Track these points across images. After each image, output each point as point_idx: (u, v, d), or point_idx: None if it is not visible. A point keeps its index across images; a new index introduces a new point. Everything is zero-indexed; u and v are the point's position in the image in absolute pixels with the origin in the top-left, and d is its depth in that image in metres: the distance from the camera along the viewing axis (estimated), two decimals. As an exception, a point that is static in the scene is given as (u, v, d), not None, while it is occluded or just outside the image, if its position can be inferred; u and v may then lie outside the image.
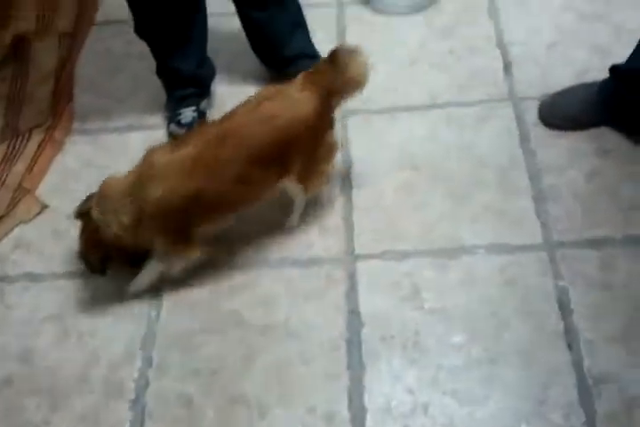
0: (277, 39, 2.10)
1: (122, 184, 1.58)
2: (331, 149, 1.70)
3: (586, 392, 1.51)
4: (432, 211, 1.87)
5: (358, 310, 1.71)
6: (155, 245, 1.64)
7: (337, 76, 1.59)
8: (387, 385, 1.57)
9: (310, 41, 2.16)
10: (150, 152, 1.58)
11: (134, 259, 1.71)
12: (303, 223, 1.87)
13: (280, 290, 1.76)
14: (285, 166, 1.63)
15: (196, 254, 1.68)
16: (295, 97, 1.57)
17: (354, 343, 1.65)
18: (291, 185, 1.71)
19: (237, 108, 1.60)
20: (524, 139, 1.98)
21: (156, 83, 2.19)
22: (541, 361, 1.57)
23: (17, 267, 1.90)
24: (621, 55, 1.86)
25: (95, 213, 1.58)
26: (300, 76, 1.61)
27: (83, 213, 1.65)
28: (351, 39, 2.31)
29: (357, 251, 1.82)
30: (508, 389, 1.54)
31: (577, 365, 1.55)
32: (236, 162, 1.54)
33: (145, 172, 1.55)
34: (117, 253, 1.67)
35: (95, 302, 1.80)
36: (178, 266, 1.72)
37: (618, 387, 1.51)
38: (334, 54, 1.60)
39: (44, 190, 2.10)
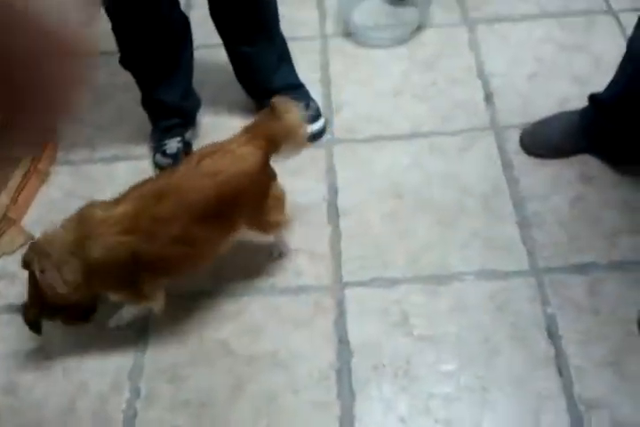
0: (263, 72, 2.12)
1: (62, 240, 1.46)
2: (279, 201, 1.66)
3: (577, 418, 1.52)
4: (419, 238, 1.88)
5: (347, 338, 1.70)
6: (111, 298, 1.59)
7: (275, 128, 1.56)
8: (378, 414, 1.56)
9: (294, 72, 2.19)
10: (88, 207, 1.50)
11: (84, 313, 1.63)
12: (291, 251, 1.87)
13: (268, 319, 1.75)
14: (232, 223, 1.56)
15: (159, 304, 1.61)
16: (237, 152, 1.51)
17: (344, 372, 1.63)
18: (249, 232, 1.67)
19: (179, 165, 1.53)
20: (507, 166, 2.01)
21: (141, 113, 2.20)
22: (532, 387, 1.57)
23: (0, 298, 1.87)
24: (600, 84, 1.91)
25: (37, 273, 1.48)
26: (239, 131, 1.58)
27: (27, 264, 1.53)
28: (335, 70, 2.35)
29: (346, 278, 1.82)
30: (499, 416, 1.54)
31: (567, 390, 1.56)
32: (177, 221, 1.46)
33: (83, 228, 1.46)
34: (63, 310, 1.57)
35: (81, 333, 1.77)
36: (152, 308, 1.66)
37: (608, 412, 1.52)
38: (271, 107, 1.58)
39: (28, 221, 2.07)
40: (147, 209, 1.45)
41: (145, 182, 1.53)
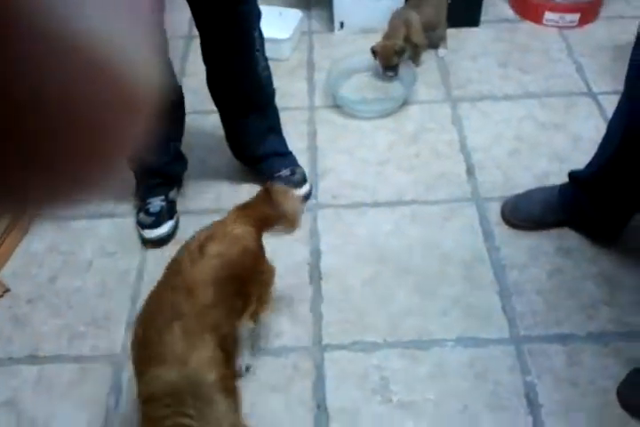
0: (252, 141, 2.18)
1: None
2: (272, 274, 1.68)
3: None
4: (400, 304, 1.89)
5: (325, 404, 1.68)
6: None
7: (270, 213, 1.59)
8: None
9: (283, 141, 2.25)
10: None
11: None
12: (273, 313, 1.86)
13: (246, 381, 1.72)
14: (245, 302, 1.54)
15: None
16: (235, 233, 1.52)
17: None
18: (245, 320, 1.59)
19: (180, 257, 1.48)
20: (488, 236, 2.05)
21: (128, 171, 2.22)
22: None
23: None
24: (579, 162, 1.98)
25: None
26: (232, 212, 1.60)
27: None
28: (322, 139, 2.42)
29: (325, 341, 1.82)
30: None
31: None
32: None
33: None
34: None
35: (52, 388, 1.72)
36: None
37: None
38: (267, 191, 1.61)
39: (5, 274, 2.05)
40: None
41: (158, 286, 1.46)
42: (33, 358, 1.80)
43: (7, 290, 2.01)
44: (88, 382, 1.73)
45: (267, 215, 1.59)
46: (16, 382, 1.74)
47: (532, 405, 1.64)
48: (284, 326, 1.85)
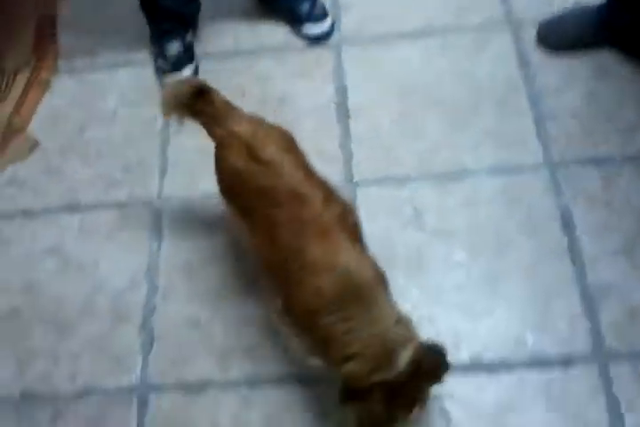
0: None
1: None
2: None
3: (590, 303, 1.54)
4: (430, 138, 1.85)
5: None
6: None
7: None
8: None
9: None
10: None
11: None
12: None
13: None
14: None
15: None
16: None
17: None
18: None
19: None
20: (523, 63, 1.95)
21: (141, 19, 2.13)
22: (545, 276, 1.58)
23: (12, 204, 1.87)
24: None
25: None
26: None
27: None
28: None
29: (356, 178, 1.81)
30: (512, 302, 1.56)
31: (580, 278, 1.57)
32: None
33: None
34: None
35: (94, 235, 1.77)
36: None
37: (621, 298, 1.53)
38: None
39: (33, 129, 2.05)
40: None
41: None
42: (72, 208, 1.84)
43: (37, 144, 2.01)
44: (129, 228, 1.78)
45: None
46: (58, 230, 1.80)
47: (567, 226, 1.65)
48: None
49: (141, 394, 1.51)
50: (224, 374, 1.52)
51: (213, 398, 1.48)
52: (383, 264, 1.56)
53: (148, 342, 1.58)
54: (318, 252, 1.21)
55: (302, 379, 1.50)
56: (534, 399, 1.43)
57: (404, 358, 1.15)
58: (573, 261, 1.59)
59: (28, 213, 1.85)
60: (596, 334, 1.50)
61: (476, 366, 1.49)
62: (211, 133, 1.42)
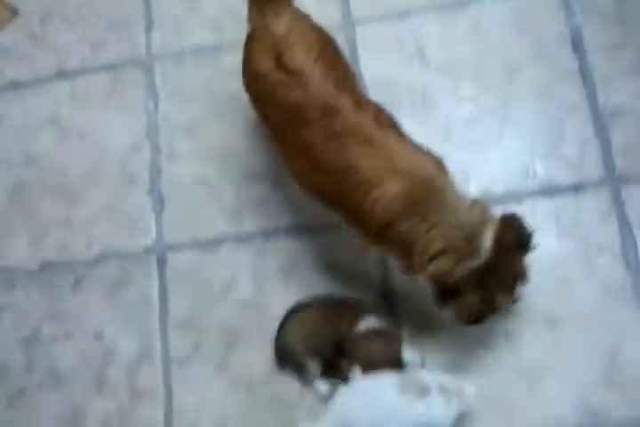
0: None
1: None
2: None
3: (601, 125, 1.50)
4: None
5: (362, 77, 1.63)
6: None
7: None
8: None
9: None
10: None
11: None
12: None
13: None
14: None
15: None
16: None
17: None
18: None
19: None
20: None
21: None
22: (555, 100, 1.53)
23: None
24: None
25: None
26: None
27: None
28: None
29: (355, 15, 1.70)
30: (522, 130, 1.52)
31: (592, 100, 1.52)
32: None
33: None
34: None
35: (87, 100, 1.73)
36: None
37: (633, 118, 1.49)
38: None
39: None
40: None
41: None
42: (61, 74, 1.77)
43: (16, 11, 1.91)
44: (122, 90, 1.72)
45: None
46: (51, 99, 1.74)
47: (578, 48, 1.56)
48: (309, 6, 1.71)
49: (159, 254, 1.55)
50: (237, 229, 1.54)
51: (229, 253, 1.52)
52: (388, 105, 1.52)
53: (159, 204, 1.59)
54: (370, 162, 1.14)
55: (314, 228, 1.52)
56: (545, 227, 1.43)
57: (486, 240, 1.12)
58: (585, 84, 1.53)
59: (17, 85, 1.79)
60: (607, 157, 1.47)
61: (486, 200, 1.48)
62: (249, 14, 1.30)
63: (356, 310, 1.32)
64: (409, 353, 1.29)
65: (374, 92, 1.59)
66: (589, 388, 1.33)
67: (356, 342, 1.27)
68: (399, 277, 1.38)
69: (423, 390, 1.12)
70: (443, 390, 1.13)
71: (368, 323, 1.28)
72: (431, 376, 1.18)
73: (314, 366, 1.32)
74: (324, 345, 1.31)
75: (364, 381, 1.19)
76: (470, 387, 1.18)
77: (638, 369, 1.33)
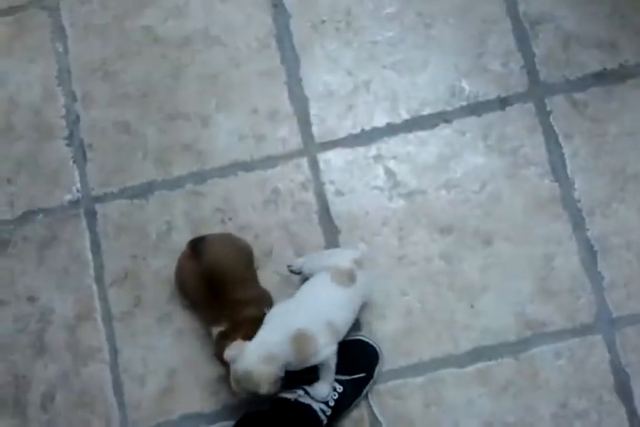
0: None
1: None
2: None
3: (523, 36, 1.49)
4: None
5: (282, 1, 1.55)
6: None
7: None
8: (324, 72, 1.51)
9: None
10: None
11: None
12: None
13: (191, -5, 1.58)
14: None
15: None
16: None
17: (284, 37, 1.54)
18: None
19: None
20: None
21: None
22: (476, 14, 1.51)
23: None
24: None
25: None
26: None
27: None
28: None
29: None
30: (445, 49, 1.50)
31: (512, 11, 1.50)
32: None
33: None
34: None
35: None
36: None
37: (554, 25, 1.48)
38: None
39: None
40: None
41: None
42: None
43: None
44: (27, 33, 1.61)
45: None
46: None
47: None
48: None
49: (87, 206, 1.50)
50: (166, 174, 1.49)
51: (161, 198, 1.48)
52: (311, 31, 1.47)
53: (81, 155, 1.52)
54: None
55: (248, 167, 1.49)
56: (473, 144, 1.45)
57: None
58: (506, -3, 1.49)
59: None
60: (530, 68, 1.47)
61: (416, 124, 1.47)
62: None
63: None
64: None
65: (297, 14, 1.53)
66: (526, 300, 1.38)
67: None
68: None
69: (351, 277, 1.23)
70: (358, 263, 1.25)
71: None
72: (344, 256, 1.27)
73: None
74: None
75: (302, 286, 1.27)
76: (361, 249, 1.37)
77: (571, 278, 1.38)
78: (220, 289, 1.28)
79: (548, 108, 1.45)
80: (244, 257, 1.36)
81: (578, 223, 1.40)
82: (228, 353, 1.19)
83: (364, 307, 1.33)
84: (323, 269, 1.25)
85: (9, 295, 1.46)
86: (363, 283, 1.25)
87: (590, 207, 1.40)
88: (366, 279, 1.27)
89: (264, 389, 1.14)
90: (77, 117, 1.54)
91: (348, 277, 1.23)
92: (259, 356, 1.15)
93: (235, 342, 1.20)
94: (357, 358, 1.33)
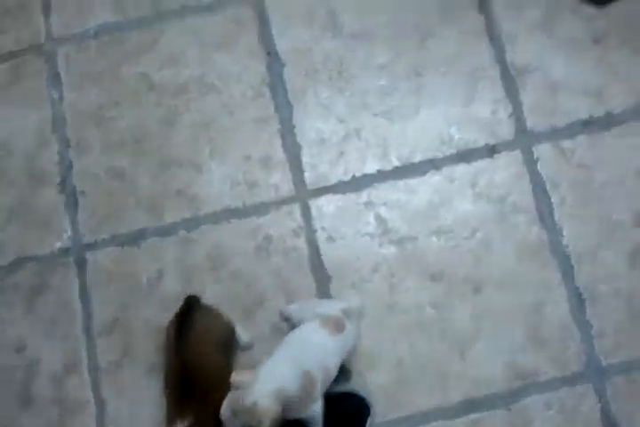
0: None
1: None
2: None
3: (511, 85, 1.51)
4: None
5: (276, 50, 1.59)
6: None
7: None
8: (317, 119, 1.53)
9: None
10: None
11: None
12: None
13: (187, 44, 1.61)
14: None
15: None
16: None
17: (277, 85, 1.56)
18: None
19: None
20: None
21: None
22: (466, 63, 1.54)
23: None
24: None
25: None
26: None
27: None
28: None
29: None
30: (435, 97, 1.52)
31: (500, 60, 1.53)
32: None
33: None
34: None
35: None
36: None
37: (541, 74, 1.51)
38: None
39: None
40: None
41: None
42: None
43: None
44: (23, 79, 1.63)
45: None
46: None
47: (483, 5, 1.56)
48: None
49: (77, 254, 1.50)
50: (159, 220, 1.50)
51: (153, 245, 1.49)
52: (304, 80, 1.50)
53: (72, 201, 1.53)
54: None
55: (240, 214, 1.50)
56: (462, 192, 1.47)
57: None
58: (492, 41, 1.54)
59: None
60: (518, 117, 1.49)
61: (406, 171, 1.49)
62: None
63: None
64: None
65: (291, 63, 1.56)
66: (517, 349, 1.38)
67: None
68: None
69: (339, 326, 1.22)
70: (347, 314, 1.25)
71: None
72: (333, 306, 1.28)
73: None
74: None
75: (292, 332, 1.25)
76: (355, 300, 1.35)
77: (561, 327, 1.38)
78: (193, 388, 1.22)
79: (535, 156, 1.47)
80: (227, 348, 1.33)
81: (566, 271, 1.40)
82: (236, 378, 1.11)
83: (353, 356, 1.33)
84: (313, 317, 1.25)
85: (-4, 344, 1.47)
86: (350, 332, 1.25)
87: (578, 254, 1.41)
88: (353, 332, 1.26)
89: (264, 426, 1.07)
90: (70, 164, 1.55)
91: (337, 326, 1.23)
92: (270, 388, 1.10)
93: (244, 371, 1.14)
94: (348, 411, 1.32)
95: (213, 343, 1.28)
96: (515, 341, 1.38)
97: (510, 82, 1.51)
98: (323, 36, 1.59)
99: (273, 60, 1.58)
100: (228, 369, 1.27)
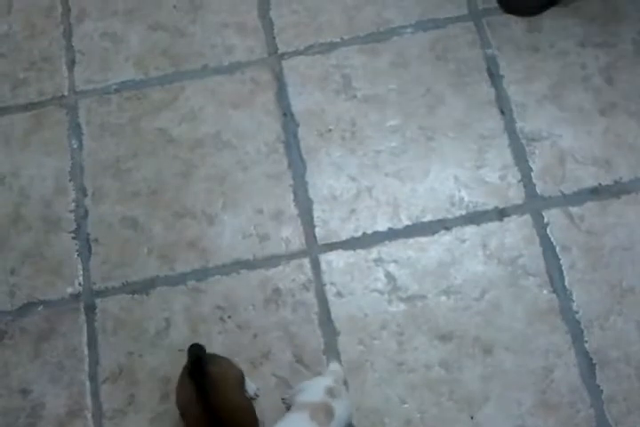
0: None
1: None
2: None
3: (520, 152, 1.56)
4: (354, -2, 1.73)
5: (291, 110, 1.64)
6: None
7: None
8: (329, 177, 1.56)
9: None
10: None
11: None
12: (217, 25, 1.72)
13: (205, 102, 1.66)
14: None
15: None
16: None
17: (291, 143, 1.60)
18: None
19: None
20: None
21: None
22: (475, 129, 1.58)
23: None
24: None
25: None
26: None
27: None
28: None
29: (281, 49, 1.71)
30: (445, 160, 1.56)
31: (510, 128, 1.57)
32: None
33: None
34: None
35: (8, 142, 1.67)
36: None
37: (550, 142, 1.55)
38: None
39: None
40: None
41: None
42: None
43: None
44: (45, 128, 1.68)
45: None
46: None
47: (494, 76, 1.62)
48: (234, 40, 1.72)
49: (87, 300, 1.50)
50: (170, 269, 1.51)
51: (162, 294, 1.49)
52: (318, 139, 1.54)
53: (86, 248, 1.54)
54: None
55: (250, 266, 1.50)
56: (473, 253, 1.48)
57: None
58: (502, 112, 1.59)
59: None
60: (527, 182, 1.52)
61: (416, 230, 1.51)
62: None
63: None
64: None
65: (305, 122, 1.61)
66: (526, 413, 1.36)
67: None
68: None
69: (329, 414, 1.19)
70: (331, 393, 1.22)
71: None
72: (316, 389, 1.24)
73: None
74: None
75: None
76: (335, 366, 1.35)
77: (570, 391, 1.36)
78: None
79: (545, 221, 1.49)
80: (244, 391, 1.31)
81: (576, 335, 1.40)
82: None
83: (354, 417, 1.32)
84: (300, 408, 1.21)
85: (1, 387, 1.43)
86: (341, 412, 1.22)
87: (588, 319, 1.41)
88: (344, 407, 1.24)
89: None
90: (86, 212, 1.57)
91: (326, 414, 1.19)
92: None
93: None
94: None
95: (234, 388, 1.26)
96: (524, 404, 1.36)
97: (519, 149, 1.55)
98: (336, 98, 1.64)
99: (288, 119, 1.63)
100: (253, 409, 1.27)
